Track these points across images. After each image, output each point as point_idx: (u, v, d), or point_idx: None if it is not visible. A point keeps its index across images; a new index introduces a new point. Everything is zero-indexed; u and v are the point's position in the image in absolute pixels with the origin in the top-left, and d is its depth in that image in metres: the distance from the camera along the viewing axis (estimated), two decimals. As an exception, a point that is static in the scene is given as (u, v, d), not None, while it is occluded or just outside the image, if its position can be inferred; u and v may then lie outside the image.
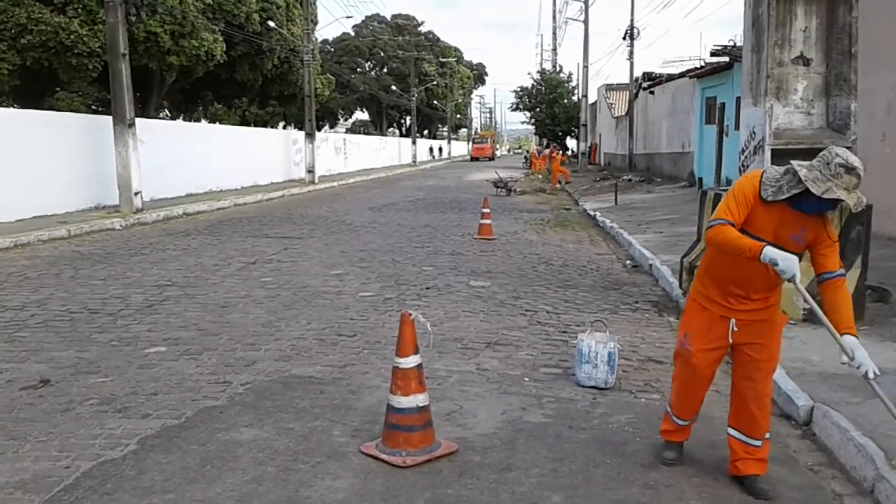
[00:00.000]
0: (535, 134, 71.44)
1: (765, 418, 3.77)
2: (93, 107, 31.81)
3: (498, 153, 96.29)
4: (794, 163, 3.40)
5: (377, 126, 75.30)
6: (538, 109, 57.15)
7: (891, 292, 7.47)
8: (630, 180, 27.14)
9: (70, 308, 7.86)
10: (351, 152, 44.14)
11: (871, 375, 3.33)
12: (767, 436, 3.80)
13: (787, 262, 3.33)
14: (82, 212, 16.85)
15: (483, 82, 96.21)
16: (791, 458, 4.15)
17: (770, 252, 3.34)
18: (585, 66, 40.20)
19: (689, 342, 3.80)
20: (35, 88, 25.36)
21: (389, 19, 74.53)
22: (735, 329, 3.69)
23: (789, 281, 3.36)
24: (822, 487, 3.81)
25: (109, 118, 17.45)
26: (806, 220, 3.46)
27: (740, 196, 3.49)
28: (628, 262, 10.92)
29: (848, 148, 7.40)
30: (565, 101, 55.08)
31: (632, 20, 36.37)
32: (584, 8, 40.00)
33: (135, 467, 3.99)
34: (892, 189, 10.82)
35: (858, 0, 7.37)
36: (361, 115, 79.53)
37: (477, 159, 71.77)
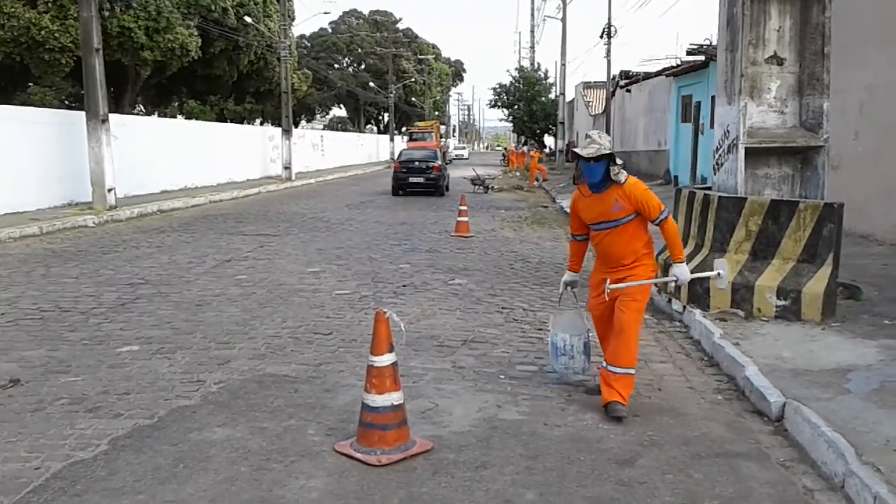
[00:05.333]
0: (514, 131, 70.98)
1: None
2: (66, 102, 31.38)
3: (462, 153, 72.48)
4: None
5: (355, 123, 74.93)
6: (516, 107, 57.16)
7: (862, 289, 7.56)
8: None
9: (41, 306, 7.75)
10: (328, 149, 43.94)
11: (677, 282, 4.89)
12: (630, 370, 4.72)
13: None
14: (55, 209, 16.61)
15: (461, 79, 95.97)
16: (763, 453, 4.18)
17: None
18: (563, 64, 40.30)
19: None
20: (6, 84, 25.03)
21: (367, 15, 74.16)
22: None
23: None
24: (794, 483, 3.85)
25: (82, 114, 17.23)
26: (607, 195, 4.75)
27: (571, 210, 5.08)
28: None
29: (820, 147, 7.52)
30: (543, 98, 55.10)
31: (609, 18, 36.46)
32: (561, 6, 40.10)
33: (106, 468, 3.94)
34: (864, 187, 10.97)
35: (832, 0, 7.45)
36: (339, 111, 79.04)
37: None
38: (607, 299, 4.82)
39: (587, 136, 4.77)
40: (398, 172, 24.06)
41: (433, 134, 51.30)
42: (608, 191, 4.72)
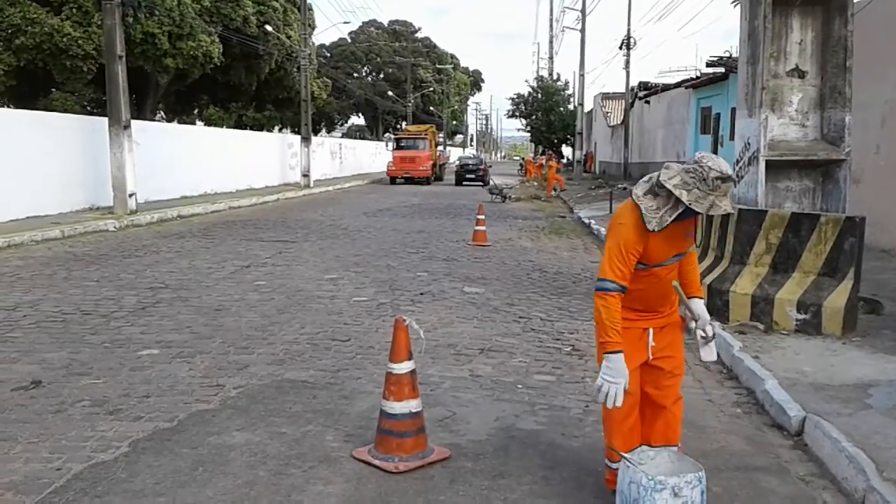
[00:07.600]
0: (532, 141, 70.96)
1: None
2: (88, 107, 31.71)
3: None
4: (666, 181, 3.25)
5: (373, 131, 75.14)
6: (534, 117, 57.19)
7: (883, 304, 7.49)
8: (625, 188, 27.15)
9: (63, 309, 7.84)
10: (346, 157, 44.13)
11: (708, 333, 3.66)
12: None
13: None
14: (76, 213, 16.80)
15: (479, 89, 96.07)
16: (782, 468, 4.16)
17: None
18: (581, 75, 40.27)
19: None
20: (30, 89, 25.30)
21: (386, 25, 74.45)
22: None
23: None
24: (814, 498, 3.82)
25: (105, 119, 17.42)
26: (688, 223, 3.44)
27: (625, 247, 3.35)
28: (622, 270, 10.90)
29: (842, 160, 7.48)
30: (561, 108, 55.11)
31: (628, 30, 36.53)
32: (580, 17, 40.13)
33: (126, 470, 3.98)
34: (885, 201, 10.89)
35: (854, 14, 7.43)
36: (357, 119, 79.35)
37: (411, 179, 38.07)
38: (651, 358, 3.62)
39: (727, 176, 3.20)
40: (459, 171, 38.64)
41: (427, 141, 40.23)
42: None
